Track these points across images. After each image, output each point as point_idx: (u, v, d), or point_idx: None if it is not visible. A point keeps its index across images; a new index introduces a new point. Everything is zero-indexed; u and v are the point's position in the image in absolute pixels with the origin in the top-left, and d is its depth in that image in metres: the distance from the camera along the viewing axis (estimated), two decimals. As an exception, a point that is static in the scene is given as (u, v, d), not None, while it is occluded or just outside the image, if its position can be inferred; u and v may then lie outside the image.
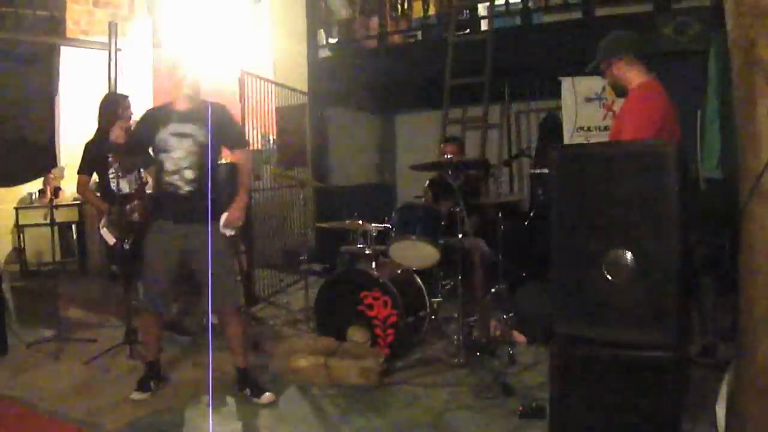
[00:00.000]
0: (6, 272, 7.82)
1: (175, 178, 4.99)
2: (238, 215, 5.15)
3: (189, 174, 4.99)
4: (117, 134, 5.25)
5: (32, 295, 8.52)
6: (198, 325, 6.94)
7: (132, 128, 5.45)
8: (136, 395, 5.13)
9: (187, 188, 4.99)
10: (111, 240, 6.37)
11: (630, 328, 3.48)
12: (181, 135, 4.99)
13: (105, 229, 6.39)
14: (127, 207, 6.34)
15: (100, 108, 6.65)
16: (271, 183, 9.36)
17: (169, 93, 5.26)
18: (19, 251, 10.72)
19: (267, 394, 5.06)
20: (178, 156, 4.98)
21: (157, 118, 5.14)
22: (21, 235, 10.60)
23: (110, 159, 6.20)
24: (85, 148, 6.57)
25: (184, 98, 5.12)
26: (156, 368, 5.38)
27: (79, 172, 6.51)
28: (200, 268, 5.00)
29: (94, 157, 6.47)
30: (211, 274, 4.92)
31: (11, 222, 10.85)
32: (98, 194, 6.59)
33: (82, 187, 6.61)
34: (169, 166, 5.00)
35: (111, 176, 6.37)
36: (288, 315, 7.63)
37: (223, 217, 5.07)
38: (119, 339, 6.24)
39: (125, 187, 6.43)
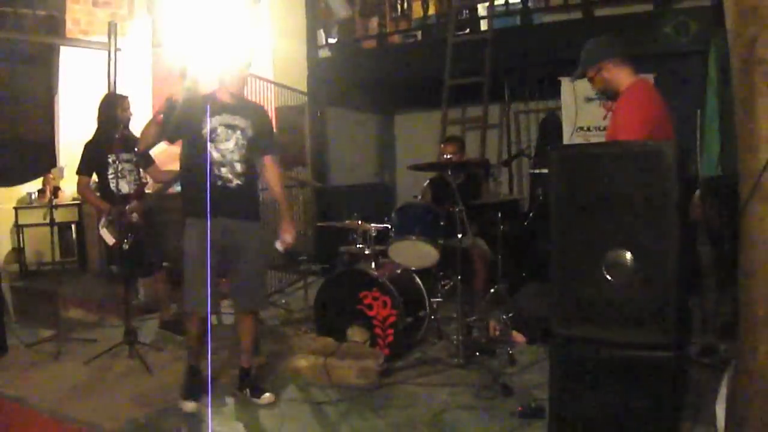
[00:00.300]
0: (5, 272, 7.83)
1: (223, 171, 4.84)
2: (292, 232, 5.12)
3: (238, 167, 4.88)
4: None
5: (32, 295, 8.51)
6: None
7: (168, 109, 4.95)
8: (187, 406, 4.90)
9: (236, 182, 4.87)
10: (110, 240, 6.38)
11: (629, 328, 3.48)
12: (231, 127, 4.89)
13: (104, 229, 6.39)
14: (127, 207, 6.34)
15: (100, 108, 6.65)
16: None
17: (210, 85, 5.08)
18: (18, 251, 10.71)
19: (267, 395, 5.03)
20: (226, 147, 4.85)
21: (202, 106, 4.87)
22: (20, 235, 10.59)
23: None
24: (85, 148, 6.57)
25: (226, 91, 5.01)
26: (200, 373, 5.15)
27: (78, 173, 6.51)
28: (237, 266, 4.97)
29: (93, 157, 6.47)
30: (249, 272, 5.01)
31: (11, 222, 10.84)
32: (98, 194, 6.59)
33: (81, 187, 6.61)
34: (216, 156, 4.83)
35: (110, 176, 6.37)
36: (287, 315, 7.63)
37: (278, 241, 5.12)
38: (119, 339, 6.22)
39: (125, 187, 6.44)
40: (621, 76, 4.56)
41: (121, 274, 6.40)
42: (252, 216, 5.05)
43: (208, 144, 4.80)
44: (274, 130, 5.46)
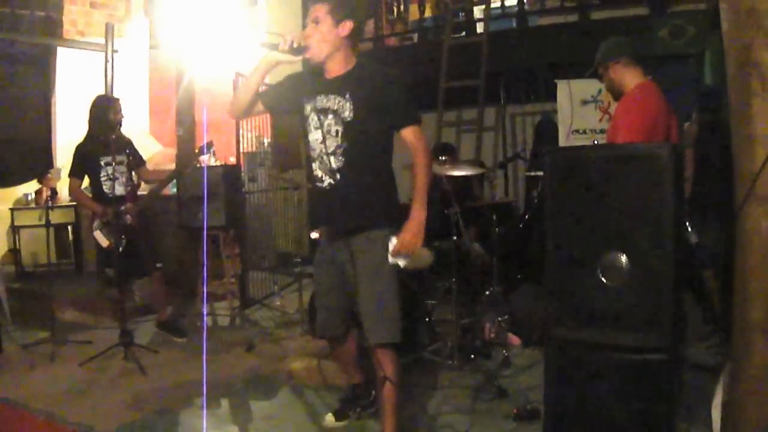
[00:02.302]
0: (1, 273, 7.82)
1: (315, 167, 4.05)
2: (413, 240, 3.81)
3: (332, 162, 3.92)
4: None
5: (27, 296, 8.50)
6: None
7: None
8: (330, 421, 4.61)
9: (328, 181, 3.97)
10: (104, 242, 6.38)
11: (625, 330, 3.48)
12: (323, 111, 3.94)
13: (98, 231, 6.39)
14: (121, 209, 6.34)
15: (91, 111, 6.65)
16: (265, 185, 9.35)
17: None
18: (14, 252, 10.69)
19: None
20: (315, 138, 3.99)
21: (302, 87, 4.12)
22: (16, 236, 10.57)
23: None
24: (76, 150, 6.57)
25: (337, 59, 3.96)
26: (358, 391, 4.72)
27: (69, 175, 6.51)
28: (357, 288, 3.95)
29: (84, 159, 6.47)
30: (366, 295, 3.92)
31: (7, 223, 10.82)
32: (91, 196, 6.59)
33: (73, 189, 6.61)
34: (311, 152, 4.06)
35: (103, 179, 6.38)
36: (282, 317, 7.62)
37: (392, 242, 3.84)
38: (114, 341, 6.22)
39: (118, 189, 6.43)
40: (627, 77, 4.62)
41: (115, 277, 6.40)
42: (363, 223, 3.95)
43: (308, 135, 4.06)
44: (410, 91, 4.06)
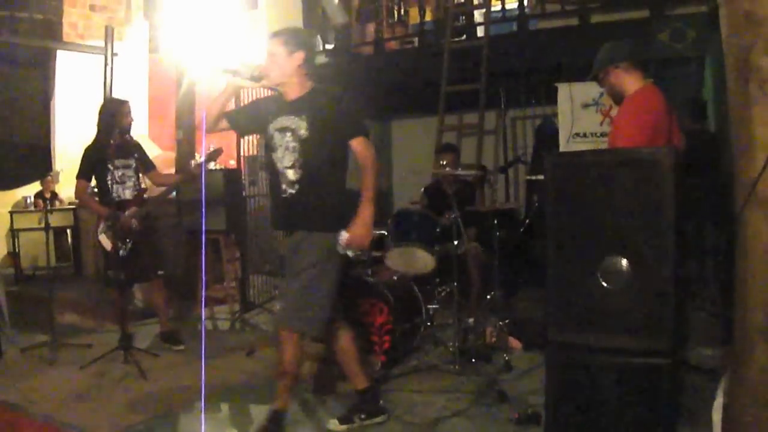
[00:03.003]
0: (0, 276, 7.82)
1: (280, 179, 4.46)
2: (362, 232, 4.36)
3: (291, 174, 4.41)
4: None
5: (27, 299, 8.51)
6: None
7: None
8: (334, 426, 4.66)
9: (289, 191, 4.44)
10: (108, 246, 6.37)
11: (625, 334, 3.48)
12: (283, 130, 4.43)
13: (103, 234, 6.39)
14: (126, 213, 6.34)
15: (99, 113, 6.64)
16: (266, 189, 9.34)
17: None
18: (13, 255, 10.71)
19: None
20: (279, 155, 4.45)
21: (266, 109, 4.62)
22: (16, 240, 10.59)
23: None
24: (84, 153, 6.57)
25: (292, 85, 4.50)
26: (366, 397, 4.75)
27: (77, 177, 6.51)
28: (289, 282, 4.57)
29: (92, 162, 6.46)
30: (294, 289, 4.45)
31: (6, 226, 10.84)
32: (97, 199, 6.59)
33: (80, 192, 6.61)
34: (278, 166, 4.47)
35: (110, 182, 6.37)
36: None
37: (342, 235, 4.34)
38: (114, 344, 6.21)
39: (124, 193, 6.44)
40: (628, 81, 4.59)
41: (118, 280, 6.39)
42: (312, 226, 4.42)
43: (271, 154, 4.54)
44: (355, 107, 4.66)
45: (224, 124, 4.67)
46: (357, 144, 4.46)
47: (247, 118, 4.75)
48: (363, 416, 4.64)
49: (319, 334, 4.53)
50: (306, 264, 4.38)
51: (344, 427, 4.61)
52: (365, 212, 4.37)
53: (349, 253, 4.41)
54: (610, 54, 4.69)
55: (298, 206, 4.42)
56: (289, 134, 4.41)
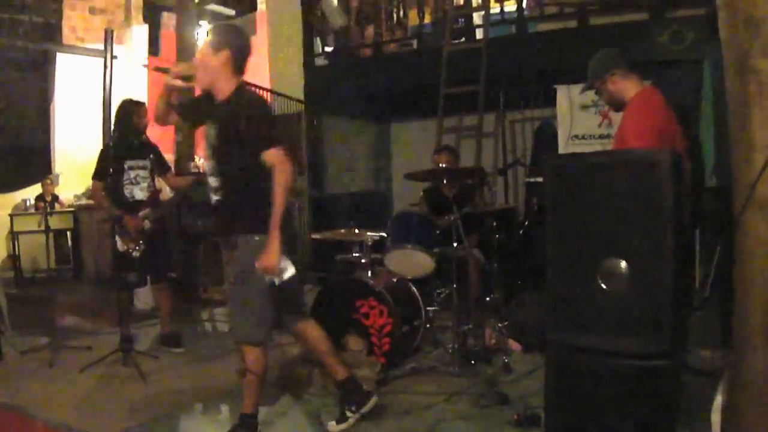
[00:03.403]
0: (0, 279, 7.82)
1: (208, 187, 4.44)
2: (269, 263, 4.12)
3: (213, 181, 4.36)
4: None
5: (27, 302, 8.52)
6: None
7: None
8: (333, 428, 4.64)
9: (214, 197, 4.40)
10: (122, 247, 6.39)
11: (625, 336, 3.48)
12: (208, 135, 4.36)
13: (118, 236, 6.40)
14: (140, 214, 6.36)
15: (117, 114, 6.65)
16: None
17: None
18: (13, 258, 10.71)
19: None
20: (205, 161, 4.45)
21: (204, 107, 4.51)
22: (16, 242, 10.59)
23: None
24: (100, 153, 6.58)
25: (218, 86, 4.35)
26: (349, 387, 4.73)
27: (93, 178, 6.52)
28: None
29: (108, 163, 6.45)
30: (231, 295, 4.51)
31: (6, 229, 10.85)
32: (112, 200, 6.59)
33: (95, 192, 6.63)
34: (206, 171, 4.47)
35: (126, 183, 6.38)
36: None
37: (257, 265, 4.14)
38: (114, 346, 6.22)
39: (138, 194, 6.46)
40: (626, 86, 4.61)
41: (129, 282, 6.41)
42: (239, 229, 4.30)
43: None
44: (272, 116, 4.65)
45: (175, 117, 4.62)
46: (269, 156, 4.16)
47: (195, 112, 4.65)
48: (353, 408, 4.63)
49: (259, 340, 4.34)
50: (235, 273, 4.35)
51: (342, 426, 4.61)
52: (271, 240, 4.10)
53: (275, 279, 4.20)
54: (604, 62, 4.70)
55: (222, 213, 4.40)
56: (209, 140, 4.37)
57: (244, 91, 4.40)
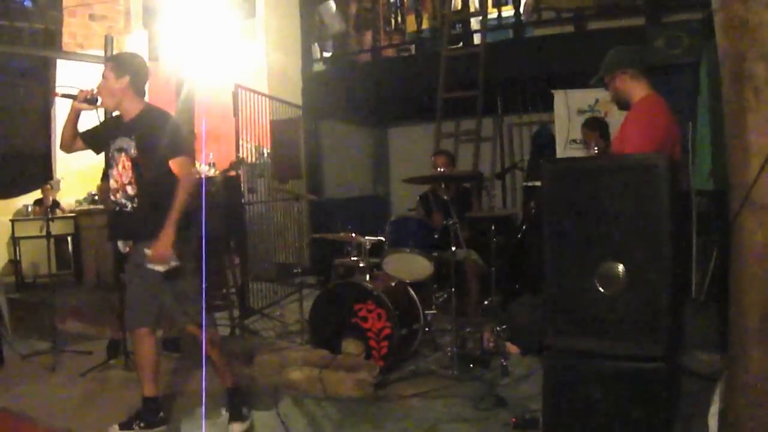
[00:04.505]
0: (1, 284, 7.83)
1: (118, 196, 4.74)
2: (161, 251, 4.47)
3: (130, 190, 4.67)
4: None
5: (28, 307, 8.53)
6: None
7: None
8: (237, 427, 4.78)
9: (130, 205, 4.71)
10: (124, 248, 6.41)
11: (622, 339, 3.51)
12: (119, 150, 4.68)
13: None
14: None
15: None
16: (265, 196, 9.38)
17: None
18: (14, 263, 10.72)
19: (236, 424, 4.87)
20: (117, 172, 4.71)
21: (106, 131, 4.92)
22: (17, 247, 10.60)
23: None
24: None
25: (124, 107, 4.73)
26: (148, 406, 4.82)
27: (102, 180, 6.55)
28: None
29: None
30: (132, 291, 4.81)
31: (7, 234, 10.87)
32: None
33: (103, 194, 6.66)
34: (112, 183, 4.78)
35: None
36: (282, 327, 7.63)
37: (146, 252, 4.50)
38: (115, 351, 6.24)
39: None
40: (634, 88, 4.59)
41: (119, 284, 6.43)
42: (150, 236, 4.55)
43: (109, 170, 4.81)
44: (178, 129, 4.96)
45: (80, 144, 4.96)
46: (175, 164, 4.61)
47: (97, 138, 4.95)
48: (142, 424, 4.71)
49: (141, 325, 4.75)
50: (130, 267, 4.80)
51: None
52: (166, 232, 4.47)
53: (158, 268, 4.51)
54: (619, 58, 4.67)
55: (136, 219, 4.68)
56: (123, 154, 4.65)
57: (152, 108, 4.80)
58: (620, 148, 4.49)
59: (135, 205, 4.69)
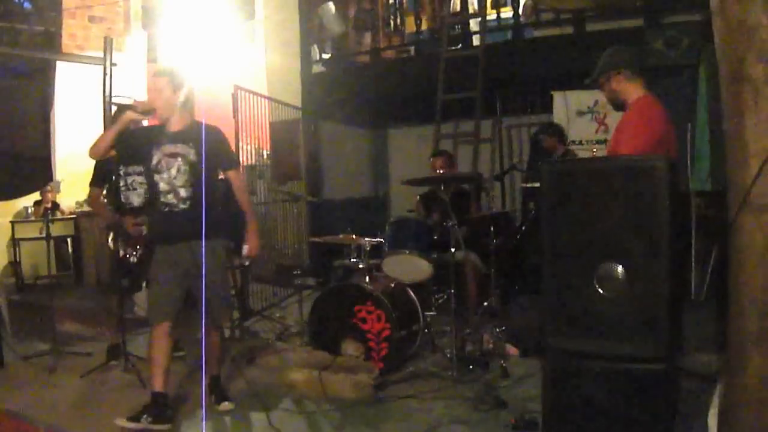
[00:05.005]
0: (1, 286, 7.84)
1: (169, 197, 5.00)
2: (256, 242, 5.33)
3: (183, 192, 4.99)
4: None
5: (28, 308, 8.53)
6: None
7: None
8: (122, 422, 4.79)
9: (181, 206, 5.00)
10: (119, 251, 6.41)
11: (621, 340, 3.51)
12: (173, 155, 5.00)
13: (112, 241, 6.42)
14: (137, 220, 6.38)
15: (113, 121, 6.68)
16: (265, 197, 9.38)
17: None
18: (14, 265, 10.73)
19: (226, 402, 5.24)
20: (169, 175, 4.99)
21: (148, 139, 5.13)
22: (17, 249, 10.61)
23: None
24: (97, 160, 6.60)
25: (176, 117, 5.08)
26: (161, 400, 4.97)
27: (90, 185, 6.55)
28: (197, 284, 5.01)
29: (104, 169, 6.47)
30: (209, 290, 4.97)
31: (7, 236, 10.87)
32: (109, 207, 6.61)
33: (93, 199, 6.66)
34: (163, 186, 5.01)
35: (122, 189, 6.40)
36: (282, 329, 7.63)
37: (244, 248, 5.32)
38: (115, 353, 6.25)
39: (135, 200, 6.47)
40: (629, 88, 4.58)
41: (120, 287, 6.43)
42: (207, 235, 4.94)
43: (155, 176, 5.02)
44: (229, 143, 5.57)
45: (112, 151, 5.22)
46: (233, 174, 5.34)
47: (132, 147, 5.21)
48: (150, 418, 4.76)
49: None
50: (212, 266, 5.00)
51: (132, 424, 4.72)
52: (252, 228, 5.35)
53: (246, 262, 5.05)
54: (614, 59, 4.66)
55: (190, 219, 4.90)
56: (180, 159, 4.99)
57: (198, 121, 5.17)
58: (615, 149, 4.50)
59: (186, 207, 5.00)
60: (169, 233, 5.02)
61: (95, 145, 5.11)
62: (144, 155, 5.06)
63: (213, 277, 5.01)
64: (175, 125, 5.06)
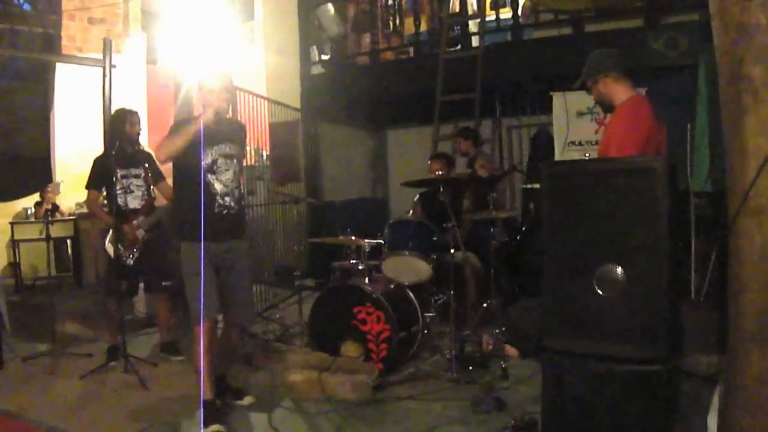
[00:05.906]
0: (1, 287, 7.83)
1: (227, 200, 5.03)
2: None
3: (237, 194, 5.11)
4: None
5: (28, 309, 8.51)
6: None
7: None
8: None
9: (236, 207, 5.11)
10: (115, 253, 6.41)
11: (621, 342, 3.51)
12: (229, 156, 5.07)
13: (110, 243, 6.41)
14: (134, 222, 6.39)
15: (110, 123, 6.68)
16: (264, 199, 9.38)
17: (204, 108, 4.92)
18: (14, 266, 10.72)
19: (248, 396, 5.39)
20: (227, 178, 5.03)
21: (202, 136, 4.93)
22: (16, 250, 10.61)
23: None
24: (94, 163, 6.60)
25: (221, 118, 5.02)
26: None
27: (87, 187, 6.55)
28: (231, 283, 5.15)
29: (102, 171, 6.48)
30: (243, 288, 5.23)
31: (6, 237, 10.87)
32: (106, 209, 6.61)
33: (90, 201, 6.65)
34: (220, 188, 4.99)
35: (119, 191, 6.40)
36: (282, 330, 7.63)
37: None
38: (115, 354, 6.25)
39: (133, 202, 6.48)
40: (617, 90, 4.58)
41: (117, 290, 6.44)
42: (242, 234, 5.24)
43: (210, 176, 4.96)
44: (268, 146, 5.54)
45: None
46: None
47: (189, 148, 4.95)
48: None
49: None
50: (245, 266, 5.20)
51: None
52: None
53: None
54: (600, 63, 4.67)
55: (237, 219, 5.13)
56: (234, 160, 5.09)
57: (228, 118, 5.45)
58: (605, 151, 4.49)
59: (239, 208, 5.15)
60: (220, 232, 4.95)
61: (165, 147, 4.93)
62: (193, 157, 4.87)
63: (248, 275, 5.29)
64: (220, 124, 4.98)
